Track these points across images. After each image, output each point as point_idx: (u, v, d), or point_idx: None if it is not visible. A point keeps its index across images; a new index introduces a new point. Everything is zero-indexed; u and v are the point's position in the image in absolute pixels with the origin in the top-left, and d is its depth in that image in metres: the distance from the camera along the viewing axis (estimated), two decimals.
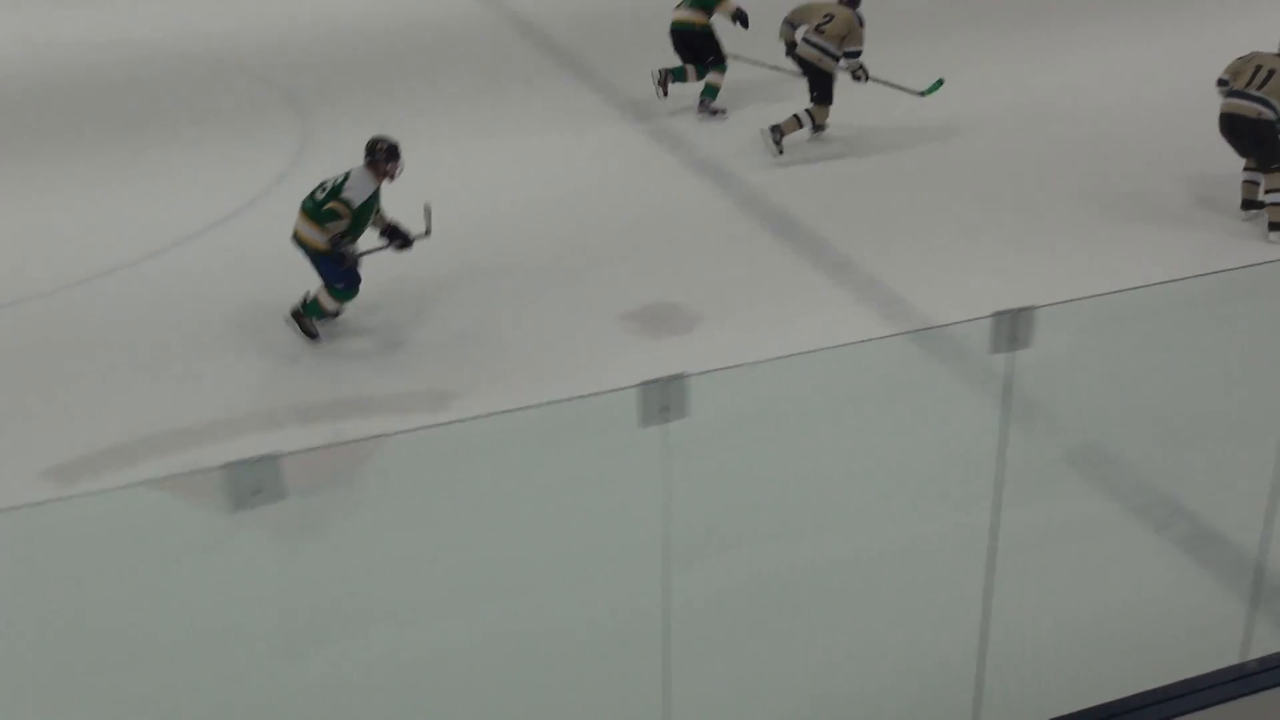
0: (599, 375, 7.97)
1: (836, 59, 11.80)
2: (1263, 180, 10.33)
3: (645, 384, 4.61)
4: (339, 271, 8.79)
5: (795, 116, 11.96)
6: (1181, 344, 5.86)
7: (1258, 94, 10.03)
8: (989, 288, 8.80)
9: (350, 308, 9.13)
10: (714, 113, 13.04)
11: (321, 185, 8.82)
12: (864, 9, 11.99)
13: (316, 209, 8.69)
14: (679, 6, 12.79)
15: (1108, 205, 10.92)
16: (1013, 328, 4.99)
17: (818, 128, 12.22)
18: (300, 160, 12.21)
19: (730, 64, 12.87)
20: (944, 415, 5.80)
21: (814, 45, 11.80)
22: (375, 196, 8.83)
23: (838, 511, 5.80)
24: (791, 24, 12.05)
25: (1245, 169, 10.55)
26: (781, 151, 11.81)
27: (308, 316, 8.93)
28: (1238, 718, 5.75)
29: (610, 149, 12.45)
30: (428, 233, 9.08)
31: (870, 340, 5.60)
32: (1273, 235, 10.23)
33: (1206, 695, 5.77)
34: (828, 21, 11.69)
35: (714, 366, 4.82)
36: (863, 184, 11.65)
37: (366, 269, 8.93)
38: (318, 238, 8.69)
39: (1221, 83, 10.37)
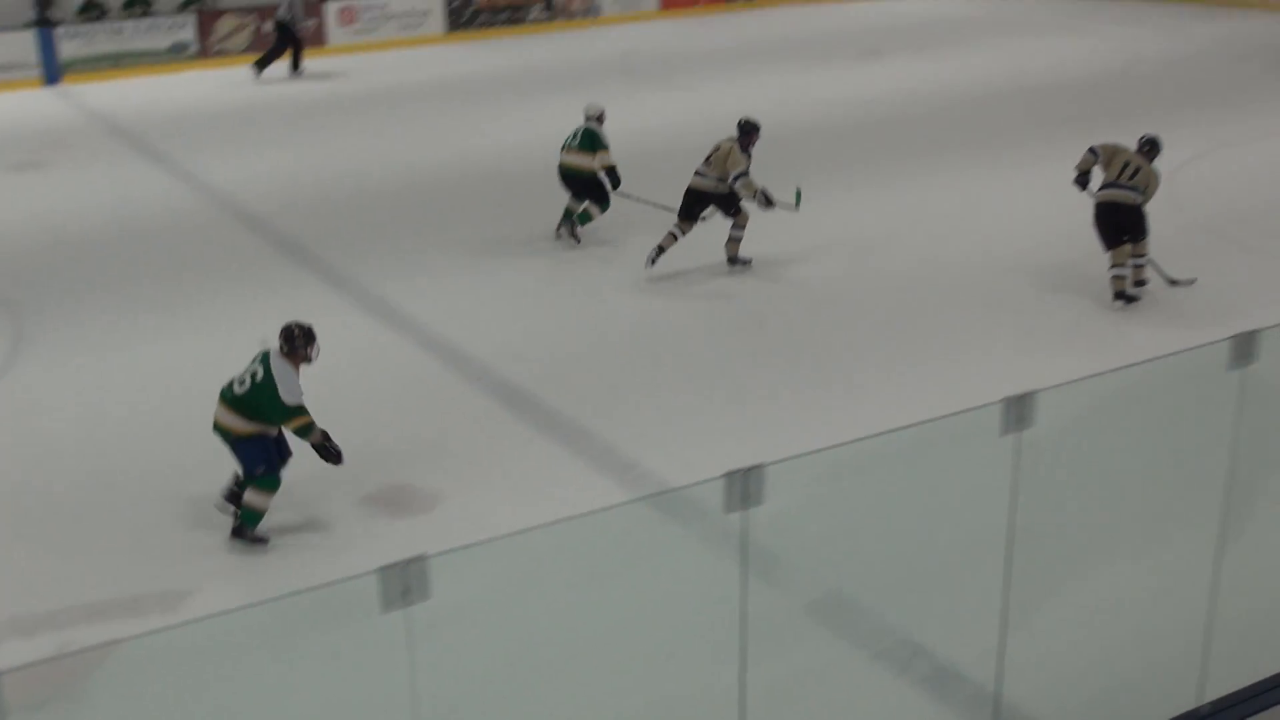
0: (340, 561, 7.83)
1: (724, 183, 13.03)
2: (1114, 257, 12.11)
3: (384, 568, 4.56)
4: (260, 456, 8.58)
5: (730, 240, 13.45)
6: (907, 488, 6.08)
7: (1129, 184, 11.92)
8: (722, 447, 9.00)
9: (67, 510, 8.75)
10: (577, 239, 14.31)
11: (240, 378, 8.61)
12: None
13: (240, 400, 8.50)
14: (565, 149, 14.05)
15: (824, 360, 11.35)
16: (744, 486, 5.11)
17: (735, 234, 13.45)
18: (13, 361, 11.75)
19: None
20: (686, 576, 5.85)
21: (702, 176, 13.19)
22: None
23: (588, 680, 5.77)
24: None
25: (1112, 265, 12.14)
26: (741, 263, 13.53)
27: (249, 527, 8.64)
28: None
29: (338, 335, 12.35)
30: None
31: (610, 508, 5.63)
32: (1116, 303, 12.16)
33: None
34: (714, 152, 13.16)
35: (455, 545, 4.79)
36: (595, 353, 11.83)
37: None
38: (240, 424, 8.53)
39: (1081, 178, 12.32)
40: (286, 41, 22.64)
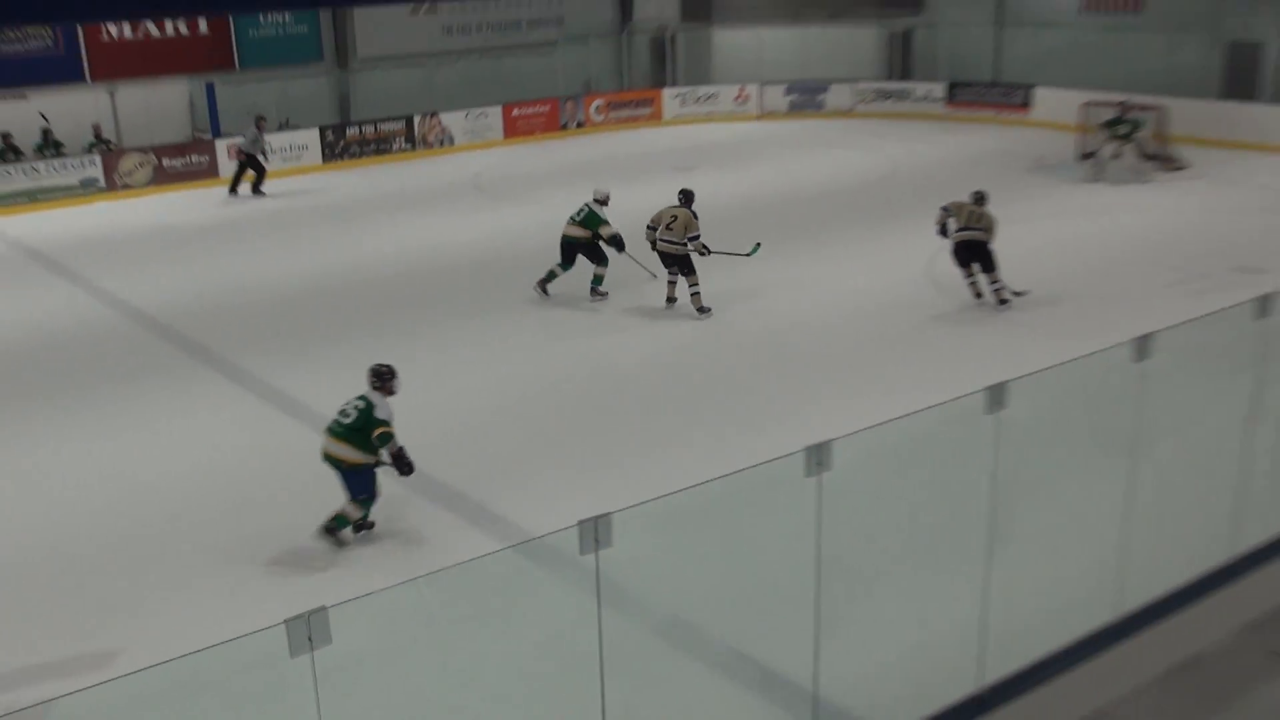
0: (248, 616, 7.76)
1: (685, 244, 14.26)
2: (989, 278, 14.36)
3: (290, 620, 4.59)
4: (365, 485, 9.37)
5: (693, 295, 14.50)
6: (732, 525, 6.24)
7: (977, 226, 14.12)
8: (576, 499, 9.11)
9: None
10: (603, 295, 15.46)
11: (344, 412, 9.45)
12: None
13: (350, 432, 9.32)
14: (569, 223, 15.27)
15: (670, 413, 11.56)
16: (595, 532, 5.24)
17: (691, 295, 14.56)
18: None
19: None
20: (551, 609, 5.94)
21: (669, 241, 14.35)
22: None
23: (474, 703, 5.81)
24: (652, 228, 14.60)
25: (966, 276, 14.51)
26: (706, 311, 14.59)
27: (338, 528, 9.38)
28: None
29: (240, 423, 12.23)
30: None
31: (483, 556, 5.69)
32: (1001, 307, 14.36)
33: None
34: (674, 221, 14.32)
35: (352, 596, 4.83)
36: (469, 423, 11.86)
37: None
38: (349, 453, 9.31)
39: (942, 229, 14.45)
40: (250, 166, 22.60)
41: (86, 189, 22.97)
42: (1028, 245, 16.71)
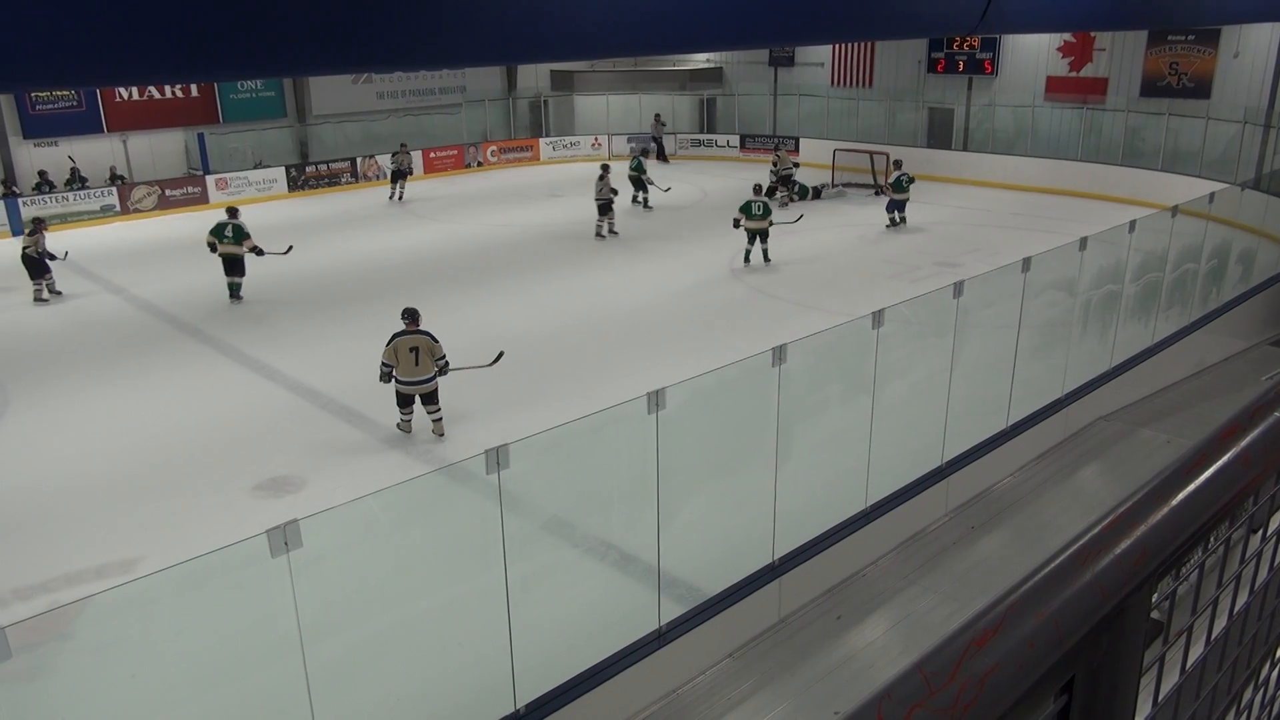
0: (241, 527, 7.48)
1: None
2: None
3: (270, 530, 4.39)
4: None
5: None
6: (598, 450, 6.18)
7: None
8: (485, 433, 8.96)
9: (50, 509, 7.99)
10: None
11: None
12: None
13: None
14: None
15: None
16: (498, 458, 5.15)
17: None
18: (4, 417, 10.67)
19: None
20: (465, 514, 5.84)
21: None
22: None
23: (413, 587, 5.67)
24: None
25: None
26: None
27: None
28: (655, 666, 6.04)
29: (230, 386, 11.72)
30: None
31: (415, 478, 5.54)
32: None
33: (638, 651, 6.05)
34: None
35: (317, 510, 4.65)
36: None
37: None
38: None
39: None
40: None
41: (105, 213, 21.76)
42: (792, 245, 17.02)
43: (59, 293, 15.55)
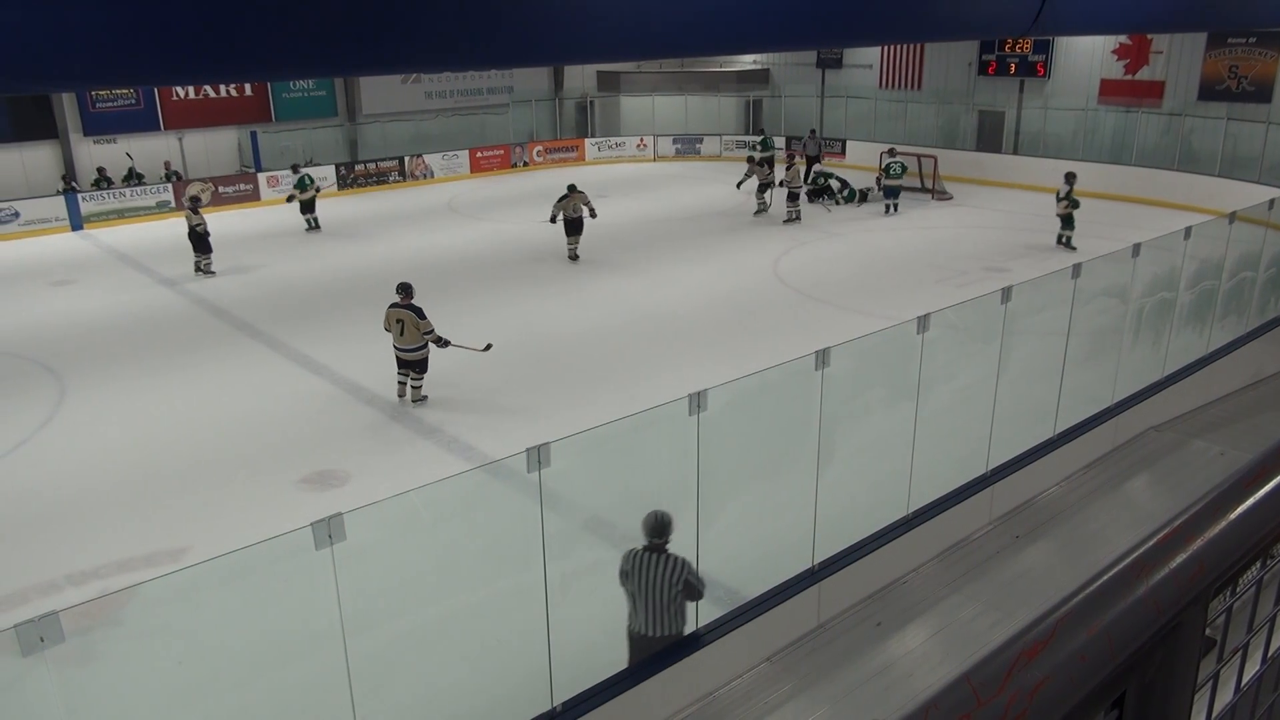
0: (287, 519, 7.56)
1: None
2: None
3: (315, 523, 4.44)
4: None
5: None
6: (637, 450, 6.17)
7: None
8: (526, 433, 9.01)
9: (109, 497, 8.15)
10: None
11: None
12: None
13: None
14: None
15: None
16: (539, 456, 5.16)
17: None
18: (61, 405, 10.94)
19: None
20: (508, 511, 5.85)
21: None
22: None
23: (455, 581, 5.70)
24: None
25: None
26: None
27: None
28: None
29: (278, 379, 11.89)
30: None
31: (458, 474, 5.57)
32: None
33: (675, 653, 5.99)
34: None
35: (360, 505, 4.70)
36: (447, 377, 11.61)
37: None
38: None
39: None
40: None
41: (160, 208, 22.19)
42: (837, 248, 16.88)
43: (213, 273, 16.59)
